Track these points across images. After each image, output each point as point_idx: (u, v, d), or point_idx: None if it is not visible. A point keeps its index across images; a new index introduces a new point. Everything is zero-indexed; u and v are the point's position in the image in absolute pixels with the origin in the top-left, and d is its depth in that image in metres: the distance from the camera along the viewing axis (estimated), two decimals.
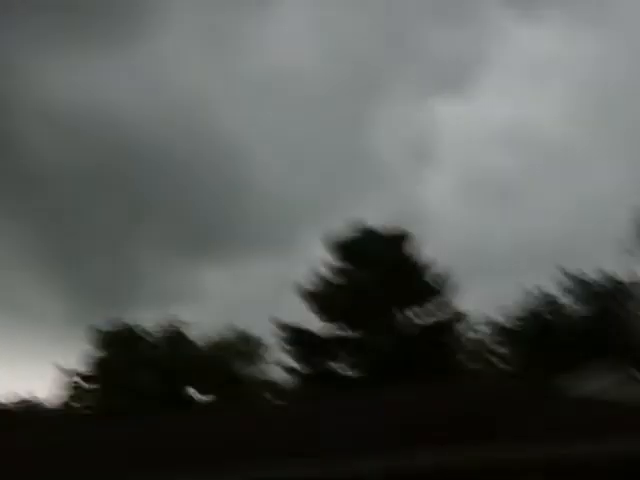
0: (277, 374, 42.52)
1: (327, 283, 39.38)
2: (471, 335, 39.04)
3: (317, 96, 71.55)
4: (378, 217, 40.83)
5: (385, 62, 74.61)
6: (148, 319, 46.88)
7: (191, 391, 44.67)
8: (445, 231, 57.58)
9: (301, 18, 77.03)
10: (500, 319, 38.66)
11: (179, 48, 71.70)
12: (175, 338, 45.71)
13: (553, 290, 38.21)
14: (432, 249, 39.28)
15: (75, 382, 45.62)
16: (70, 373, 45.51)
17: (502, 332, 38.49)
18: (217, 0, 72.52)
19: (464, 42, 74.36)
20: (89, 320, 46.80)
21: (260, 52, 73.26)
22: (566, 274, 37.39)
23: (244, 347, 46.73)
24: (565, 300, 38.07)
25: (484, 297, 43.03)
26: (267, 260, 61.03)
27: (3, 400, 46.21)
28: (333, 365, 38.29)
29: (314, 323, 38.73)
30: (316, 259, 40.07)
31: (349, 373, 37.89)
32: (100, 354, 45.06)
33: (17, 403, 46.81)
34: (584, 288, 37.33)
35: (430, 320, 38.19)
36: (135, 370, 43.61)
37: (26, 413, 45.31)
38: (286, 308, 41.74)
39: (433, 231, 53.33)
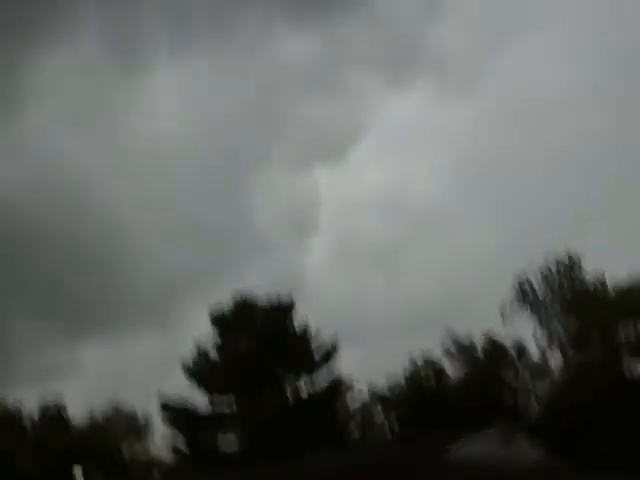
0: (161, 450, 41.97)
1: (210, 356, 39.05)
2: (354, 401, 39.22)
3: (197, 167, 71.78)
4: (261, 286, 40.99)
5: (264, 133, 75.75)
6: (29, 396, 45.61)
7: (74, 470, 43.22)
8: (326, 297, 58.02)
9: (180, 90, 77.52)
10: (382, 383, 38.99)
11: (56, 124, 71.20)
12: (57, 416, 44.46)
13: (434, 353, 38.70)
14: (314, 316, 39.43)
15: None
16: None
17: (384, 396, 38.82)
18: (94, 75, 72.30)
19: (339, 112, 76.46)
20: None
21: (138, 124, 73.26)
22: (447, 336, 37.84)
23: (128, 424, 45.83)
24: (446, 362, 38.55)
25: (366, 362, 43.59)
26: (150, 334, 60.15)
27: None
28: (217, 438, 37.89)
29: (198, 397, 38.18)
30: (200, 331, 39.74)
31: (233, 446, 37.56)
32: None
33: None
34: (465, 350, 37.81)
35: (313, 387, 38.15)
36: (16, 450, 42.08)
37: None
38: (170, 383, 41.19)
39: (315, 298, 53.58)
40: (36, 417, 45.05)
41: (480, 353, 37.35)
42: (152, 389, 39.67)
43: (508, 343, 36.60)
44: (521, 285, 37.21)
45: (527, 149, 70.49)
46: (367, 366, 42.20)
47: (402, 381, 38.25)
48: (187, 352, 38.85)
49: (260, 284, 46.55)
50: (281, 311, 39.04)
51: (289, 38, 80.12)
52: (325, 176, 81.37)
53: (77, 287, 58.98)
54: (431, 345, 38.61)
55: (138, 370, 56.07)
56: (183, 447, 38.01)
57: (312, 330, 38.80)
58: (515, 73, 77.81)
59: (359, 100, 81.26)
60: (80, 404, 45.06)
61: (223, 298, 39.67)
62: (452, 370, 38.38)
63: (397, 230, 71.08)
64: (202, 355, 38.84)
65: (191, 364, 38.45)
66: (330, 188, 77.75)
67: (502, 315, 36.48)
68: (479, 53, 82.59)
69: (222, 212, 67.99)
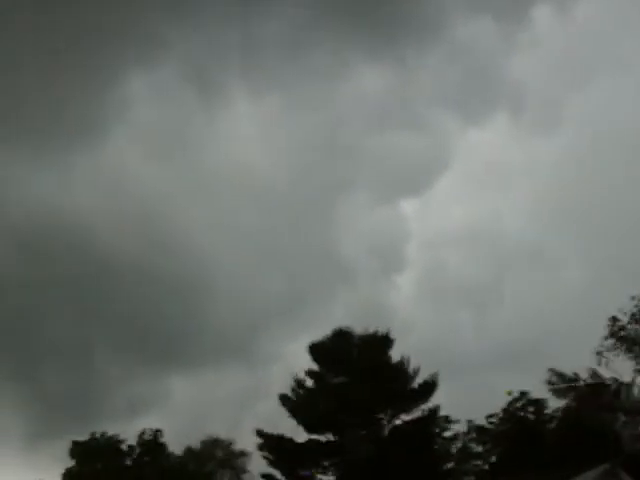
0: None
1: (303, 388, 39.40)
2: (448, 434, 39.27)
3: (280, 198, 72.38)
4: (347, 317, 40.85)
5: (345, 165, 76.22)
6: (119, 429, 46.61)
7: None
8: (415, 331, 57.81)
9: (257, 121, 77.86)
10: (477, 418, 38.96)
11: (139, 150, 72.61)
12: (150, 446, 45.36)
13: (530, 388, 38.51)
14: (404, 349, 39.41)
15: None
16: None
17: (480, 430, 38.78)
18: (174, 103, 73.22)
19: (418, 145, 76.89)
20: (55, 433, 45.89)
21: (218, 154, 74.31)
22: (550, 371, 37.53)
23: (223, 453, 46.40)
24: (543, 398, 38.31)
25: (459, 396, 43.41)
26: (234, 365, 60.66)
27: None
28: (313, 471, 38.12)
29: (291, 429, 38.40)
30: (290, 363, 39.95)
31: (329, 476, 37.84)
32: (76, 467, 44.41)
33: None
34: (562, 386, 37.46)
35: (408, 420, 38.21)
36: None
37: None
38: (257, 414, 41.38)
39: (403, 331, 53.42)
40: (130, 448, 46.23)
41: (575, 389, 36.97)
42: (239, 420, 39.84)
43: (607, 381, 36.22)
44: (616, 325, 36.83)
45: (610, 186, 69.78)
46: (458, 399, 42.10)
47: (499, 413, 38.16)
48: (276, 383, 39.28)
49: (346, 315, 46.58)
50: (375, 343, 39.15)
51: (364, 71, 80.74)
52: (410, 209, 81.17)
53: (162, 319, 60.01)
54: (526, 379, 38.47)
55: (223, 401, 56.61)
56: (279, 476, 38.42)
57: (406, 363, 39.01)
58: (596, 108, 77.24)
59: (437, 133, 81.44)
60: (171, 435, 45.91)
61: (315, 330, 39.84)
62: (547, 405, 38.09)
63: (485, 265, 70.77)
64: (295, 386, 39.36)
65: (289, 394, 38.94)
66: (416, 221, 77.80)
67: (598, 354, 36.13)
68: (558, 87, 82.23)
69: (307, 242, 68.48)
